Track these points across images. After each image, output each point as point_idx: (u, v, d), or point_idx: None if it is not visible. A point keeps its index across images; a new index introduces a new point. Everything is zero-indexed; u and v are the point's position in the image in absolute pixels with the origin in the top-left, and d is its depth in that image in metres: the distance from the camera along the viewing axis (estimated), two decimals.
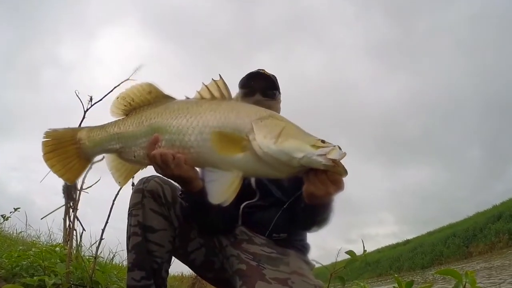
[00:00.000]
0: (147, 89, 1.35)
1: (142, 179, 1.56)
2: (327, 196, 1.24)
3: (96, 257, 2.47)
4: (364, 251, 1.78)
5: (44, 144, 1.33)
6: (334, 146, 1.17)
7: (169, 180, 1.48)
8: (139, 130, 1.30)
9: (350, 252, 1.74)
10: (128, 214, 1.52)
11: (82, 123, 3.26)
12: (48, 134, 1.35)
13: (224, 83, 1.30)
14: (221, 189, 1.18)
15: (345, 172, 1.17)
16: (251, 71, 1.96)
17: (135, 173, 1.39)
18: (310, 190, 1.24)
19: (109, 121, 1.39)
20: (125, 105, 1.35)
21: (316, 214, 1.48)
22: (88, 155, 1.38)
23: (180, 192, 1.49)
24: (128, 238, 1.49)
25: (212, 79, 1.30)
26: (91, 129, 1.38)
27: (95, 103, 3.24)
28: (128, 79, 3.17)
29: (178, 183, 1.37)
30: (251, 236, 1.64)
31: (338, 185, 1.21)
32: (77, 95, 3.15)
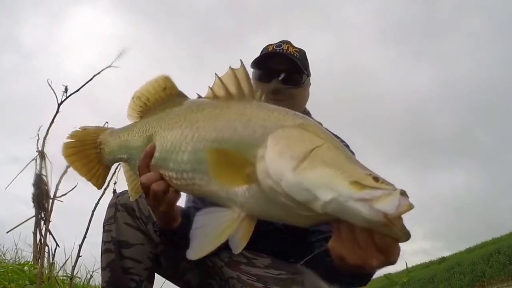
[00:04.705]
0: (162, 85, 1.29)
1: (116, 193, 1.61)
2: (366, 268, 0.93)
3: (72, 277, 2.47)
4: (406, 272, 1.75)
5: (65, 146, 1.37)
6: (394, 188, 0.84)
7: None
8: (142, 141, 1.26)
9: (388, 275, 1.72)
10: (102, 231, 1.57)
11: (56, 117, 3.28)
12: (72, 135, 1.38)
13: (245, 73, 1.11)
14: (210, 237, 0.98)
15: (404, 236, 0.85)
16: (270, 43, 1.83)
17: None
18: (339, 252, 0.94)
19: (128, 124, 1.38)
20: (140, 106, 1.32)
21: (343, 282, 1.23)
22: (106, 162, 1.39)
23: (156, 226, 1.49)
24: (102, 255, 1.54)
25: (230, 67, 1.12)
26: (111, 132, 1.39)
27: (71, 94, 3.25)
28: (110, 66, 3.19)
29: (157, 217, 1.34)
30: (250, 258, 1.60)
31: (388, 256, 0.89)
32: (50, 85, 3.16)
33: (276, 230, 1.58)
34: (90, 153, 1.38)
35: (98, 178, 1.40)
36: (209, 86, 1.16)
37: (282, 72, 1.74)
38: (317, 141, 0.94)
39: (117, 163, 1.45)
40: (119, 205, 1.55)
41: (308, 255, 1.43)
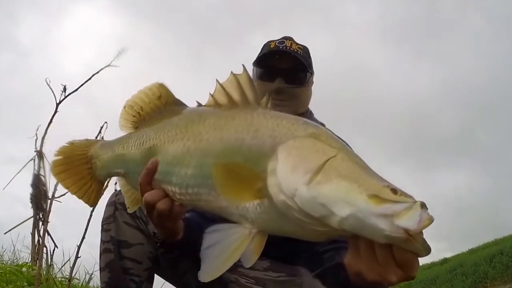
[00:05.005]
0: (157, 93, 1.22)
1: (116, 191, 1.58)
2: (384, 284, 0.92)
3: (70, 279, 2.48)
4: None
5: (53, 165, 1.32)
6: (414, 201, 0.81)
7: None
8: (140, 154, 1.19)
9: None
10: (101, 230, 1.55)
11: (54, 117, 3.28)
12: (59, 151, 1.33)
13: (249, 78, 1.05)
14: (222, 257, 0.93)
15: (425, 251, 0.82)
16: (271, 40, 1.77)
17: None
18: (357, 268, 0.92)
19: (122, 135, 1.31)
20: (134, 116, 1.26)
21: None
22: (99, 177, 1.34)
23: (156, 237, 1.48)
24: (101, 255, 1.53)
25: (232, 72, 1.06)
26: (103, 145, 1.33)
27: (70, 93, 3.26)
28: (109, 65, 3.20)
29: (161, 231, 1.31)
30: None
31: (407, 271, 0.87)
32: (48, 84, 3.17)
33: (281, 239, 1.56)
34: (81, 169, 1.33)
35: (91, 195, 1.35)
36: (210, 93, 1.10)
37: (286, 70, 1.69)
38: (330, 151, 0.90)
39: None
40: (118, 204, 1.52)
41: (315, 264, 1.41)
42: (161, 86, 1.22)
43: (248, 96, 1.04)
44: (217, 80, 1.08)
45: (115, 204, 1.52)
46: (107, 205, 1.56)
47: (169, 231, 1.25)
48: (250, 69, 1.77)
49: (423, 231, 0.80)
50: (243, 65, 1.06)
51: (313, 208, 0.83)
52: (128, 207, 1.32)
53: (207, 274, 0.93)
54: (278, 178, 0.87)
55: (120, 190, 1.53)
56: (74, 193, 1.34)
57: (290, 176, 0.86)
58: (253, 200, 0.92)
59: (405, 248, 0.82)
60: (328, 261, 1.35)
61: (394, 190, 0.83)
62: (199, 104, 1.16)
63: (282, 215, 0.89)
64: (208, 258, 0.94)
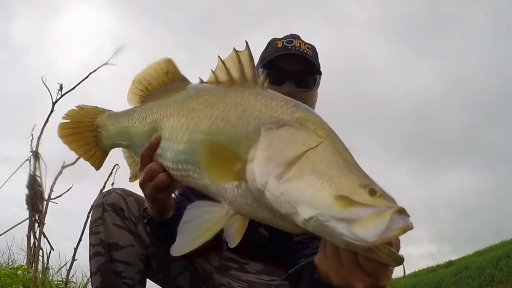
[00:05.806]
0: (164, 68, 1.27)
1: (103, 192, 1.59)
2: None
3: (67, 282, 2.47)
4: (404, 277, 1.74)
5: (61, 127, 1.38)
6: (390, 206, 0.74)
7: (133, 192, 1.53)
8: (143, 127, 1.25)
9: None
10: (89, 233, 1.55)
11: (50, 116, 3.28)
12: (68, 115, 1.39)
13: (250, 56, 1.06)
14: (195, 233, 0.94)
15: (394, 262, 0.76)
16: (277, 38, 1.72)
17: None
18: (324, 269, 0.91)
19: (128, 108, 1.38)
20: (142, 90, 1.31)
21: None
22: (104, 147, 1.40)
23: (145, 213, 1.48)
24: (91, 259, 1.52)
25: (234, 49, 1.07)
26: (109, 115, 1.39)
27: (67, 92, 3.25)
28: (106, 63, 3.19)
29: (153, 206, 1.32)
30: (242, 264, 1.60)
31: (374, 279, 0.83)
32: (44, 83, 3.17)
33: (266, 243, 1.54)
34: (87, 135, 1.38)
35: (96, 160, 1.41)
36: (211, 70, 1.13)
37: (295, 73, 1.65)
38: (312, 141, 0.86)
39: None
40: (106, 205, 1.52)
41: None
42: (169, 62, 1.27)
43: (246, 74, 1.06)
44: (219, 56, 1.10)
45: (103, 205, 1.52)
46: (94, 207, 1.55)
47: (161, 205, 1.28)
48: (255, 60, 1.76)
49: (400, 237, 0.76)
50: (246, 41, 1.07)
51: (279, 204, 0.83)
52: (130, 179, 1.36)
53: (178, 249, 0.96)
54: (254, 167, 0.88)
55: (107, 191, 1.59)
56: (80, 155, 1.40)
57: (264, 168, 0.86)
58: (232, 181, 0.93)
59: (370, 256, 0.77)
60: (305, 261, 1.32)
61: (373, 191, 0.77)
62: (201, 81, 1.19)
63: (257, 201, 0.89)
64: (182, 233, 0.96)
